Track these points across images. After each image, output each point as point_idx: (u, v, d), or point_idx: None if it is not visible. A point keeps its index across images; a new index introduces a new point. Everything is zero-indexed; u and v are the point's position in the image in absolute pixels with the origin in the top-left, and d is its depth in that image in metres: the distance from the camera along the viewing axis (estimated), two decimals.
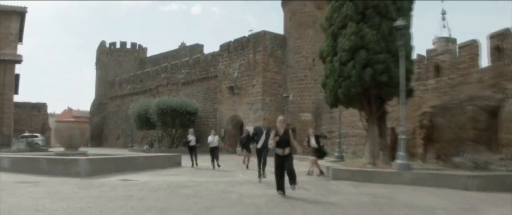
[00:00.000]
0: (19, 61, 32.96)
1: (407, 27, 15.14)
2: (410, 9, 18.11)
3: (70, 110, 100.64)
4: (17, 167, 15.48)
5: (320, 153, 16.90)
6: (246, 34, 39.83)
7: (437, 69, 22.82)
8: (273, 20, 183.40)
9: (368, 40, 15.55)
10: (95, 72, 68.57)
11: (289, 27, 39.11)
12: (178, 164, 20.44)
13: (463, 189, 12.42)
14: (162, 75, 50.98)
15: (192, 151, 21.10)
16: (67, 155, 17.15)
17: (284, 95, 34.71)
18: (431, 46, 65.32)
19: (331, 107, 19.04)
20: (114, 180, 13.34)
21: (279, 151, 10.10)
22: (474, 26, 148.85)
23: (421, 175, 13.76)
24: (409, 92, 17.67)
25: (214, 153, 19.99)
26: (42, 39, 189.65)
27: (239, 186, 12.43)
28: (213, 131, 22.06)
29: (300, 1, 38.01)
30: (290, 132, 10.51)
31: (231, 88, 39.57)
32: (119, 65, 64.84)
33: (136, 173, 15.51)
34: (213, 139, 20.52)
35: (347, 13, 16.31)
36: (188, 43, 63.80)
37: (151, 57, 66.64)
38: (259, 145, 13.21)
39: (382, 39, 15.71)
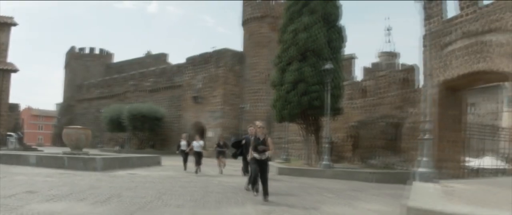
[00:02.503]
0: (16, 71, 37.46)
1: (334, 69, 21.41)
2: (341, 47, 24.50)
3: (29, 108, 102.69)
4: (41, 162, 20.22)
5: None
6: (209, 49, 45.97)
7: (364, 91, 29.23)
8: (229, 19, 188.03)
9: (306, 75, 21.84)
10: (63, 74, 72.62)
11: (247, 45, 45.10)
12: (159, 163, 25.46)
13: (366, 181, 18.60)
14: (130, 82, 56.09)
15: (185, 156, 21.23)
16: (74, 154, 22.13)
17: (241, 106, 40.78)
18: (377, 59, 72.48)
19: (279, 122, 25.20)
20: (122, 173, 18.50)
21: (257, 156, 10.51)
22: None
23: (338, 172, 19.95)
24: (339, 111, 24.09)
25: (198, 157, 20.12)
26: None
27: (219, 177, 18.04)
28: (197, 136, 22.15)
29: (258, 24, 44.04)
30: (269, 138, 10.86)
31: (195, 98, 45.27)
32: (87, 69, 69.01)
33: (134, 169, 20.69)
34: (197, 144, 20.54)
35: (292, 54, 22.52)
36: (143, 43, 69.17)
37: (117, 63, 71.19)
38: (249, 157, 11.75)
39: (317, 74, 21.93)
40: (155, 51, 71.01)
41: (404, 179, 14.13)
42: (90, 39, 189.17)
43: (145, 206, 8.61)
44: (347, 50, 27.41)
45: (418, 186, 9.84)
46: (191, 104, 46.24)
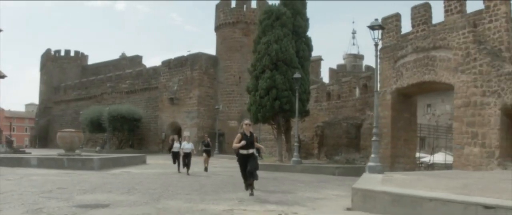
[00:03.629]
0: (3, 77, 38.80)
1: (302, 77, 24.43)
2: (308, 56, 27.64)
3: (2, 110, 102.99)
4: (42, 164, 21.92)
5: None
6: (185, 53, 48.47)
7: (329, 95, 32.38)
8: (198, 17, 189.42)
9: (278, 82, 24.82)
10: (39, 76, 73.86)
11: (220, 49, 47.88)
12: (144, 162, 27.80)
13: (331, 174, 21.50)
14: (107, 84, 58.18)
15: (176, 157, 21.12)
16: (68, 155, 24.33)
17: (216, 107, 43.60)
18: (342, 61, 75.89)
19: (253, 124, 28.10)
20: (118, 171, 20.68)
21: (244, 151, 11.05)
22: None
23: (306, 167, 22.89)
24: (307, 113, 27.17)
25: (187, 158, 20.00)
26: None
27: (206, 174, 20.66)
28: (187, 137, 22.20)
29: (231, 29, 46.83)
30: (254, 134, 11.51)
31: (171, 99, 47.84)
32: (63, 71, 70.49)
33: (126, 167, 22.98)
34: (187, 145, 20.35)
35: (265, 63, 25.45)
36: (112, 41, 70.90)
37: (93, 65, 72.84)
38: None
39: (287, 81, 24.95)
40: (123, 49, 72.96)
41: (363, 172, 17.00)
42: (56, 38, 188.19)
43: (163, 194, 11.17)
44: (316, 49, 30.66)
45: (366, 176, 12.85)
46: (167, 105, 48.73)
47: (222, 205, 9.09)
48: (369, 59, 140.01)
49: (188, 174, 19.26)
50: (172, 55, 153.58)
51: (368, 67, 69.38)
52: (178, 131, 48.16)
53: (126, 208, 8.58)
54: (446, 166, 27.47)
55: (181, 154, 20.09)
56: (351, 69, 70.33)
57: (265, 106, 25.16)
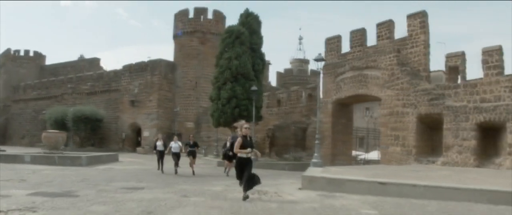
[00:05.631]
0: None
1: (258, 88, 28.98)
2: (262, 69, 32.27)
3: None
4: (35, 160, 24.70)
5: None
6: (145, 58, 52.16)
7: (279, 102, 37.05)
8: (142, 12, 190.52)
9: (237, 93, 29.40)
10: None
11: (178, 56, 51.74)
12: (117, 160, 31.12)
13: (282, 170, 25.96)
14: (68, 85, 60.81)
15: (160, 156, 21.18)
16: (53, 153, 27.53)
17: (175, 109, 47.67)
18: (289, 66, 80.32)
19: (215, 127, 32.45)
20: (102, 167, 23.92)
21: (243, 155, 10.79)
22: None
23: (261, 163, 27.01)
24: (260, 118, 31.75)
25: (176, 158, 20.11)
26: None
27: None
28: (175, 137, 21.88)
29: (188, 38, 50.75)
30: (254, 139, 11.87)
31: (132, 102, 51.37)
32: (22, 71, 72.17)
33: (107, 164, 26.39)
34: (175, 145, 20.53)
35: (226, 76, 29.93)
36: (58, 37, 72.48)
37: (52, 65, 74.77)
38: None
39: (245, 92, 29.44)
40: (66, 44, 74.17)
41: (308, 167, 21.22)
42: (4, 34, 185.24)
43: (166, 182, 15.22)
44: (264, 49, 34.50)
45: (311, 168, 17.54)
46: (128, 107, 52.19)
47: (218, 187, 13.38)
48: (315, 64, 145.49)
49: (175, 173, 19.33)
50: (119, 51, 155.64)
51: (314, 72, 73.97)
52: (137, 131, 51.91)
53: (157, 189, 12.40)
54: (379, 162, 32.58)
55: (166, 153, 20.77)
56: (297, 73, 74.29)
57: (226, 113, 29.73)
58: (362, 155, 38.35)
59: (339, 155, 29.14)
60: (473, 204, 9.61)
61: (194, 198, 10.57)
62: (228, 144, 16.02)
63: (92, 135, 53.75)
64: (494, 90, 20.49)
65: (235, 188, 12.19)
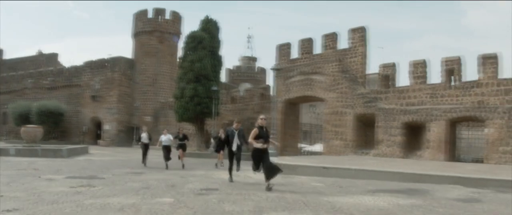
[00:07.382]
0: None
1: (216, 90, 32.90)
2: (221, 69, 36.32)
3: None
4: (20, 153, 26.71)
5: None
6: (106, 56, 54.87)
7: (234, 99, 41.00)
8: (95, 4, 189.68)
9: (199, 92, 33.23)
10: None
11: (138, 54, 54.68)
12: (87, 152, 33.49)
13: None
14: (29, 80, 62.47)
15: (144, 148, 20.95)
16: (32, 146, 29.99)
17: (135, 105, 50.92)
18: (238, 63, 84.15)
19: (179, 122, 36.14)
20: (82, 158, 26.52)
21: (259, 145, 10.95)
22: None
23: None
24: (218, 114, 35.66)
25: (167, 152, 19.80)
26: None
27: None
28: (165, 130, 21.71)
29: (147, 37, 53.71)
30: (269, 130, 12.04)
31: (93, 97, 54.06)
32: None
33: (83, 155, 29.35)
34: (166, 138, 20.21)
35: (189, 77, 33.68)
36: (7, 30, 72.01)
37: (10, 60, 74.78)
38: (234, 148, 13.59)
39: (206, 91, 33.34)
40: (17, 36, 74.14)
41: None
42: None
43: (159, 167, 18.63)
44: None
45: None
46: (89, 101, 54.80)
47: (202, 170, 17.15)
48: (262, 62, 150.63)
49: (166, 168, 19.02)
50: (70, 42, 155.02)
51: (262, 69, 78.60)
52: (98, 124, 54.70)
53: (158, 174, 16.08)
54: (322, 153, 37.03)
55: (158, 146, 20.72)
56: (245, 70, 78.97)
57: (189, 110, 33.59)
58: (306, 147, 42.86)
59: (288, 147, 33.36)
60: (389, 182, 13.79)
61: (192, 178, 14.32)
62: (222, 136, 17.28)
63: (54, 128, 55.67)
64: (418, 96, 25.51)
65: (216, 172, 15.97)
